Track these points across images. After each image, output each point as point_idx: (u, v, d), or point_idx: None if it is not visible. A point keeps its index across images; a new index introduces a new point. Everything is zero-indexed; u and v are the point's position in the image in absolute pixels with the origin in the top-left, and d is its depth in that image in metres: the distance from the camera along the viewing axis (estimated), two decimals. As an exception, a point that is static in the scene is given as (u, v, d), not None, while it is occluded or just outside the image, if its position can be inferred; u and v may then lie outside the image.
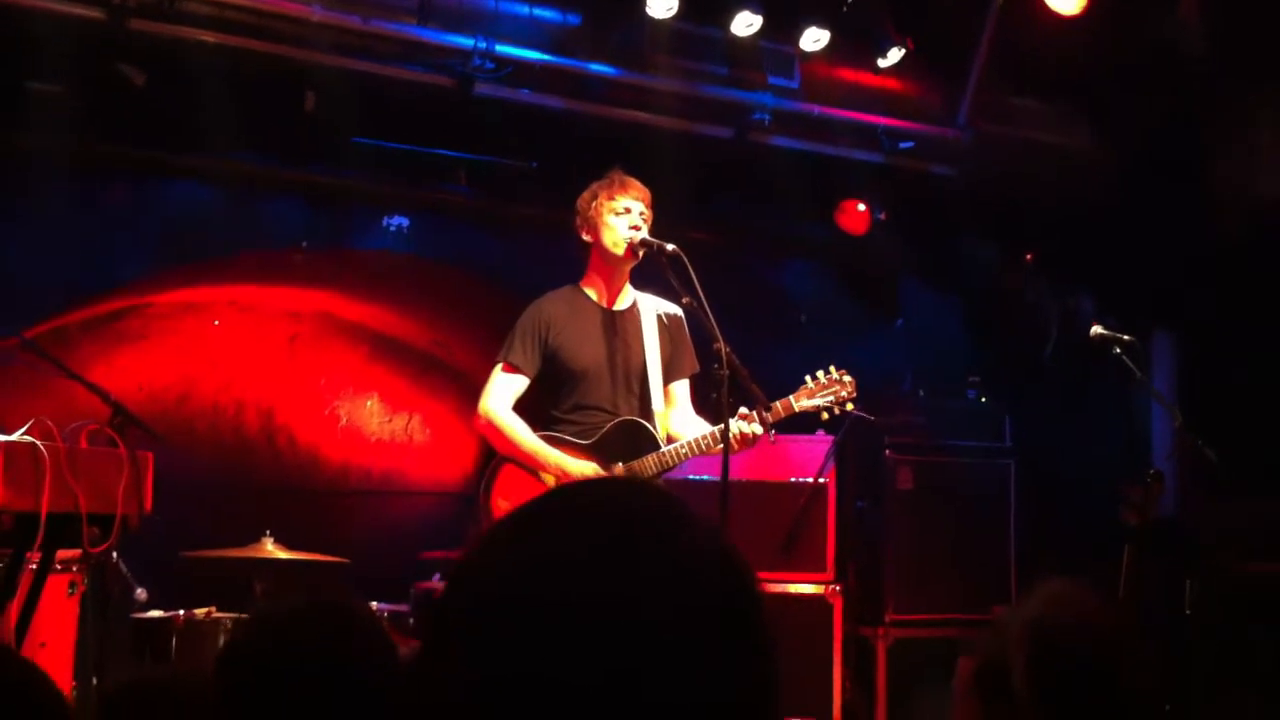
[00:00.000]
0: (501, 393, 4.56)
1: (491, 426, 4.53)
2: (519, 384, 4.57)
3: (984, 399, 6.99)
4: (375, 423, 8.09)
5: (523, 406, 4.60)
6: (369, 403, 8.07)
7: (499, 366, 4.58)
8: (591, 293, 4.67)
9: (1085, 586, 2.55)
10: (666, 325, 4.69)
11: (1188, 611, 5.65)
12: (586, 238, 4.63)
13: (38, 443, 3.78)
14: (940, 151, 7.28)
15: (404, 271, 7.27)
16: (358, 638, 2.24)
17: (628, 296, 4.70)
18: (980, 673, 2.73)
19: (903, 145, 7.13)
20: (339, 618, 2.25)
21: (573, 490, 1.12)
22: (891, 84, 7.01)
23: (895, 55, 6.60)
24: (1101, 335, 5.34)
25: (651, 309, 4.70)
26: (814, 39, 6.47)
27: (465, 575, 1.06)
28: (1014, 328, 7.69)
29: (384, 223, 6.72)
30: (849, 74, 6.94)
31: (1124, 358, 5.30)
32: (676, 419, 4.67)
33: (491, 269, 7.15)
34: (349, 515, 7.72)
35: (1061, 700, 2.42)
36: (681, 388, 4.74)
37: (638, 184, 4.62)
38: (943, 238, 7.69)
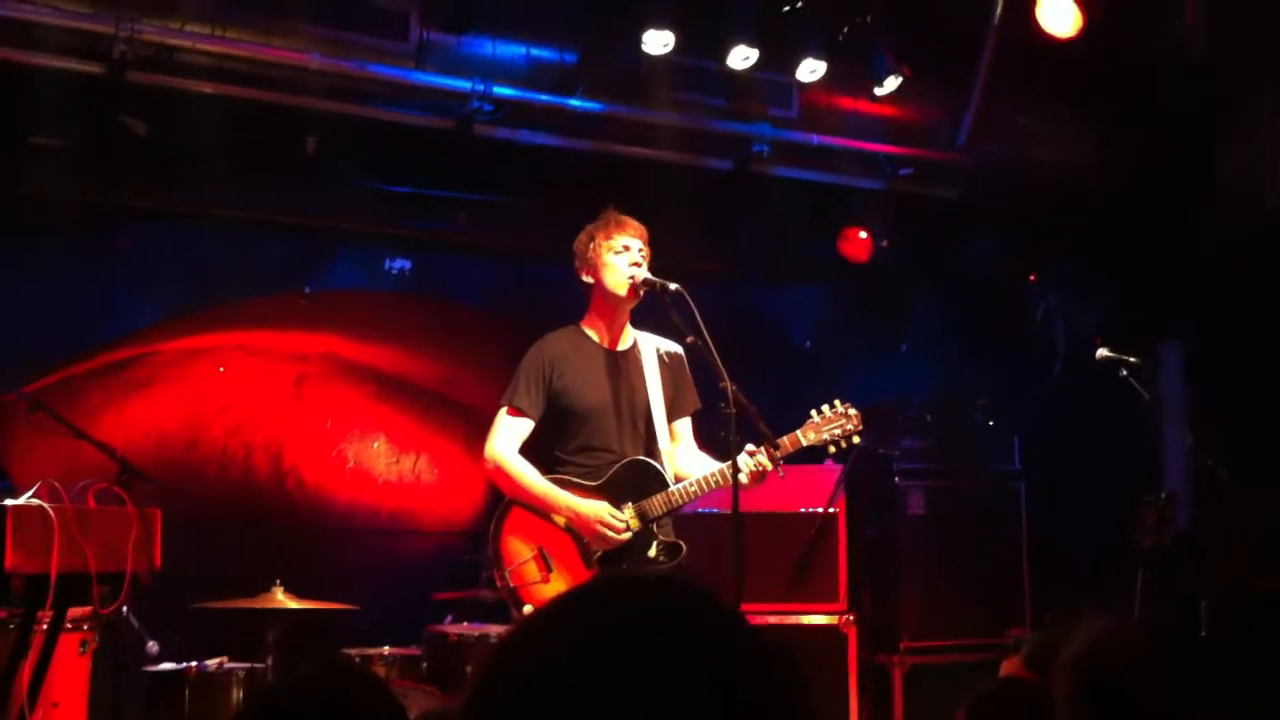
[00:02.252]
0: (508, 436, 4.54)
1: (500, 471, 4.51)
2: (524, 427, 4.56)
3: (992, 421, 6.97)
4: (383, 463, 8.09)
5: (527, 448, 4.58)
6: (376, 444, 8.07)
7: (503, 410, 4.57)
8: (593, 333, 4.66)
9: (1128, 623, 2.57)
10: (667, 363, 4.68)
11: (1203, 633, 5.62)
12: (587, 279, 4.61)
13: (46, 505, 3.79)
14: (941, 174, 7.29)
15: (408, 311, 7.28)
16: (366, 704, 2.24)
17: (629, 336, 4.69)
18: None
19: (903, 171, 7.13)
20: (347, 683, 2.25)
21: (611, 589, 1.13)
22: (890, 110, 7.02)
23: (892, 83, 6.60)
24: (1107, 357, 5.33)
25: (652, 347, 4.68)
26: (811, 69, 6.48)
27: (501, 664, 1.08)
28: (1021, 348, 7.67)
29: (386, 265, 6.74)
30: (847, 102, 6.96)
31: (1130, 380, 5.28)
32: (681, 456, 4.66)
33: (495, 307, 7.16)
34: (359, 556, 7.72)
35: None
36: (684, 425, 4.73)
37: (634, 222, 4.60)
38: (946, 260, 7.68)
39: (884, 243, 7.31)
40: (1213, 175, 6.82)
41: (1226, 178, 6.77)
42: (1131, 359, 5.28)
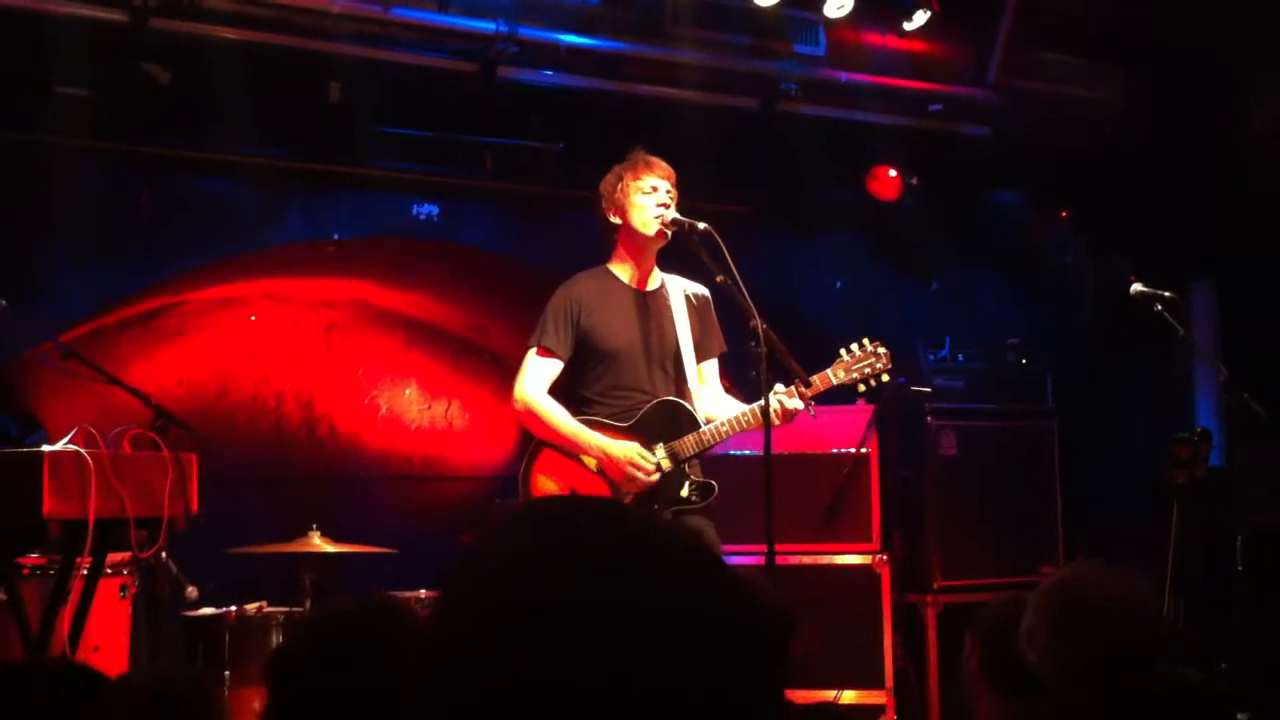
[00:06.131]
0: (537, 377, 4.54)
1: (529, 412, 4.51)
2: (553, 367, 4.55)
3: (1024, 360, 6.93)
4: (415, 410, 8.11)
5: (555, 388, 4.58)
6: (407, 390, 8.09)
7: (532, 350, 4.56)
8: (621, 274, 4.64)
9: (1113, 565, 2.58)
10: (695, 305, 4.66)
11: (1239, 568, 5.61)
12: (615, 219, 4.59)
13: (82, 451, 3.82)
14: (970, 112, 7.21)
15: (436, 258, 7.26)
16: (406, 637, 2.24)
17: (656, 277, 4.68)
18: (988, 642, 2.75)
19: (932, 108, 7.06)
20: (386, 617, 2.26)
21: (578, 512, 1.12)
22: (919, 46, 6.93)
23: (921, 18, 6.52)
24: (1142, 292, 5.28)
25: (679, 289, 4.67)
26: (838, 5, 6.40)
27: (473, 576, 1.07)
28: (1051, 287, 7.62)
29: (414, 211, 6.71)
30: (875, 38, 6.86)
31: (1165, 314, 5.23)
32: (708, 399, 4.65)
33: (523, 251, 7.13)
34: (392, 503, 7.75)
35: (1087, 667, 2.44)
36: (711, 367, 4.72)
37: (662, 163, 4.59)
38: (976, 198, 7.61)
39: (914, 180, 7.24)
40: (1241, 115, 6.72)
41: (1260, 117, 6.68)
42: (1166, 294, 5.23)
